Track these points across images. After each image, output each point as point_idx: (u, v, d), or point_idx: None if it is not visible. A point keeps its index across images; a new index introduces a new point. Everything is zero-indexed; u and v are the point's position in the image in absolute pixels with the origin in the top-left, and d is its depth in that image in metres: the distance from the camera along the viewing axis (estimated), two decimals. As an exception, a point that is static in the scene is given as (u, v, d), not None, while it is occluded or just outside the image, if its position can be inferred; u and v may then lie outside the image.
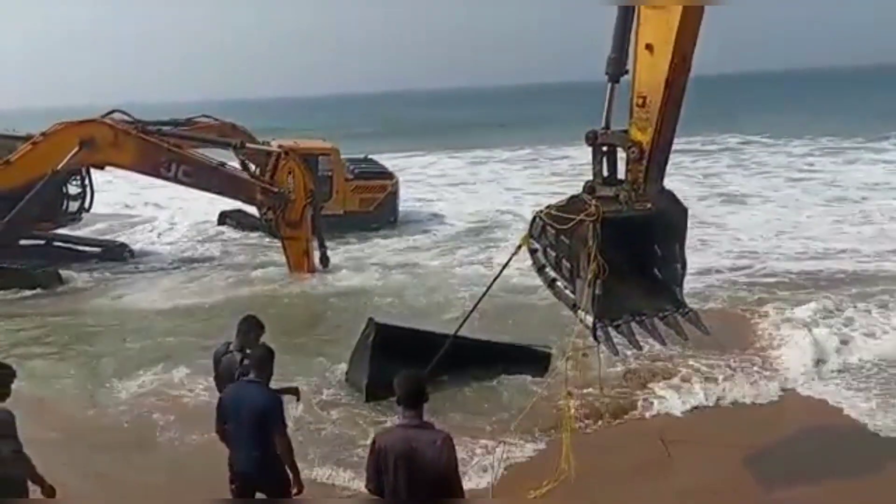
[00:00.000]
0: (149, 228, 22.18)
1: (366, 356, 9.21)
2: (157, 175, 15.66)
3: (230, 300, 13.99)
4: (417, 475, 4.73)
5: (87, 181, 17.32)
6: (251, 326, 6.67)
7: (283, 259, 15.95)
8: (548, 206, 7.65)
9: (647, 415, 8.82)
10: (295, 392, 6.78)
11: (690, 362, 9.88)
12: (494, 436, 8.06)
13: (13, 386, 5.51)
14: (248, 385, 5.84)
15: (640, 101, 7.35)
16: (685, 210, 7.84)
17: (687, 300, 7.95)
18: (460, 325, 9.12)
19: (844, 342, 10.69)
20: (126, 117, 16.50)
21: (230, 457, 5.84)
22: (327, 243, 16.44)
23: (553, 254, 7.68)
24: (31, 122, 20.24)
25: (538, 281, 8.20)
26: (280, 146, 17.26)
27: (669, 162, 7.69)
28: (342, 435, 8.30)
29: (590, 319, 7.34)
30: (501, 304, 12.33)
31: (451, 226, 21.30)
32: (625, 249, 7.64)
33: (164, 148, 15.28)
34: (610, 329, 7.52)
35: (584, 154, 8.17)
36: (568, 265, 7.57)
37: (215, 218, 21.68)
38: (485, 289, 8.97)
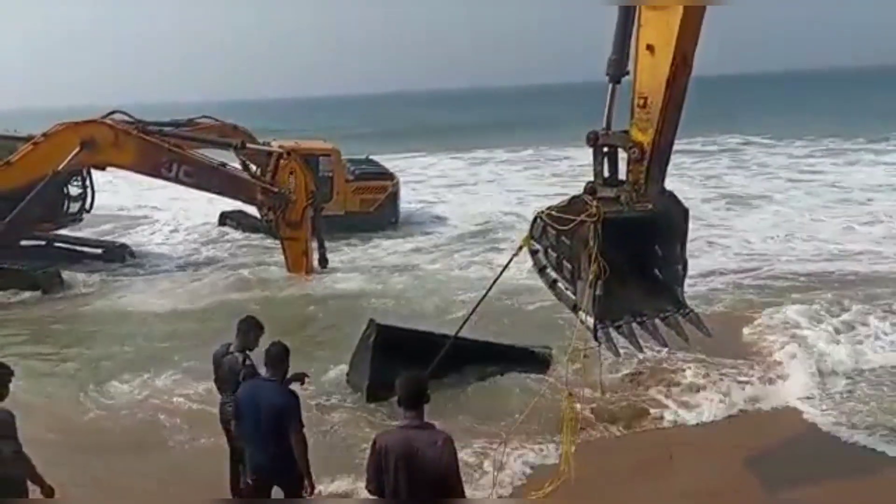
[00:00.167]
0: (150, 230, 22.15)
1: (366, 357, 9.20)
2: (158, 175, 15.66)
3: (229, 302, 13.97)
4: (418, 476, 4.73)
5: (87, 182, 17.32)
6: (251, 327, 6.67)
7: (283, 260, 15.95)
8: (549, 207, 7.66)
9: (648, 416, 8.79)
10: (301, 378, 6.79)
11: (692, 364, 9.83)
12: (495, 436, 8.05)
13: (10, 386, 5.53)
14: (265, 383, 5.91)
15: (641, 101, 7.37)
16: (686, 211, 7.85)
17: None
18: (461, 326, 9.12)
19: (852, 347, 10.56)
20: (127, 118, 16.49)
21: (246, 454, 5.95)
22: (327, 244, 16.43)
23: (554, 255, 7.69)
24: (32, 122, 20.23)
25: (538, 282, 8.21)
26: (281, 146, 17.28)
27: (670, 163, 7.70)
28: (343, 436, 8.29)
29: (591, 320, 7.35)
30: (501, 306, 12.34)
31: (451, 227, 21.26)
32: (626, 250, 7.65)
33: (164, 148, 15.28)
34: (611, 330, 7.52)
35: (585, 155, 8.19)
36: (569, 266, 7.57)
37: (216, 219, 21.68)
38: (485, 290, 8.97)
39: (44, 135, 15.27)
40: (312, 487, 5.79)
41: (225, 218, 21.42)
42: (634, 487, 7.41)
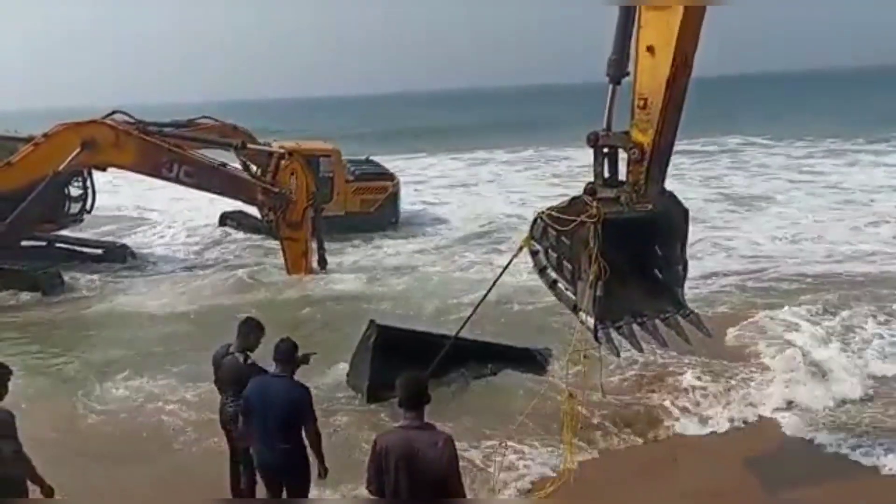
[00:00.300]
0: (151, 231, 22.13)
1: (367, 358, 9.21)
2: (159, 175, 15.66)
3: (229, 303, 13.95)
4: (418, 476, 4.74)
5: (88, 182, 17.31)
6: (251, 328, 6.69)
7: (282, 261, 15.94)
8: (549, 208, 7.67)
9: (650, 417, 8.79)
10: (307, 359, 6.77)
11: (691, 367, 9.82)
12: (496, 437, 8.06)
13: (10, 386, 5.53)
14: (275, 379, 5.96)
15: (641, 102, 7.38)
16: (686, 211, 7.86)
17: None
18: (461, 327, 9.13)
19: (850, 350, 10.53)
20: (127, 118, 16.51)
21: (253, 452, 6.03)
22: (327, 245, 16.43)
23: (554, 255, 7.70)
24: (32, 123, 20.23)
25: (538, 283, 8.22)
26: (282, 147, 17.28)
27: (670, 164, 7.71)
28: (343, 436, 8.29)
29: (591, 321, 7.35)
30: (501, 307, 12.35)
31: (452, 228, 21.24)
32: (626, 251, 7.66)
33: (165, 148, 15.28)
34: (611, 330, 7.53)
35: (585, 155, 8.19)
36: (569, 266, 7.59)
37: (216, 220, 21.68)
38: (486, 291, 8.97)
39: (44, 135, 15.27)
40: (326, 471, 5.97)
41: (225, 218, 21.42)
42: (635, 487, 7.42)
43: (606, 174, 7.82)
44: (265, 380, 6.06)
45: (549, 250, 7.72)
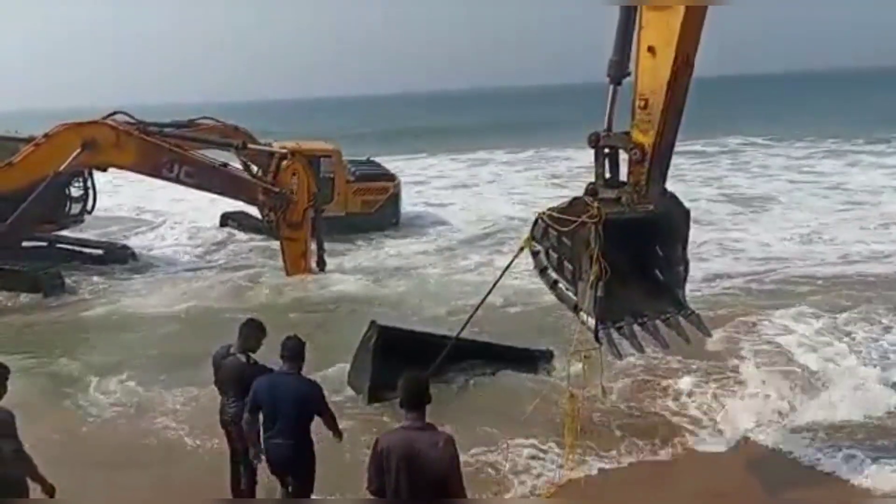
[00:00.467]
0: (153, 232, 22.11)
1: (368, 358, 9.20)
2: (159, 175, 15.65)
3: (229, 304, 13.95)
4: (419, 477, 4.75)
5: (89, 183, 17.32)
6: (253, 329, 6.70)
7: (282, 262, 15.93)
8: (550, 209, 7.67)
9: (651, 418, 8.80)
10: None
11: (690, 371, 9.84)
12: (497, 437, 8.06)
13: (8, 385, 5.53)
14: (284, 377, 6.07)
15: (642, 103, 7.37)
16: (687, 212, 7.85)
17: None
18: (462, 328, 9.13)
19: (849, 353, 10.45)
20: (128, 118, 16.51)
21: (263, 446, 6.12)
22: (327, 245, 16.43)
23: (555, 256, 7.70)
24: (33, 123, 20.22)
25: (539, 284, 8.21)
26: (283, 147, 17.28)
27: (672, 165, 7.71)
28: (344, 437, 8.27)
29: (592, 321, 7.35)
30: (502, 308, 12.35)
31: (453, 229, 21.21)
32: (627, 251, 7.65)
33: (165, 148, 15.28)
34: (612, 331, 7.53)
35: (586, 156, 8.18)
36: (570, 267, 7.58)
37: (217, 221, 21.67)
38: (486, 291, 8.97)
39: (45, 136, 15.26)
40: (342, 434, 6.34)
41: (226, 219, 21.41)
42: (638, 488, 7.42)
43: (607, 175, 7.81)
44: (274, 377, 6.16)
45: (550, 251, 7.72)
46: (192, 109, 24.87)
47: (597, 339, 7.35)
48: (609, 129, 7.74)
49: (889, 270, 15.01)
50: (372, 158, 23.16)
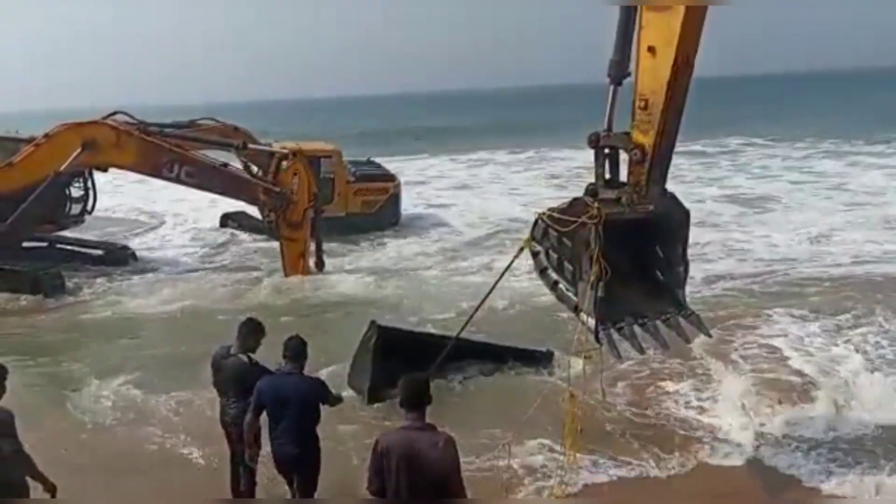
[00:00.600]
0: (153, 233, 22.11)
1: (368, 359, 9.21)
2: (160, 176, 15.66)
3: (228, 306, 13.90)
4: (419, 477, 4.75)
5: (89, 183, 17.32)
6: (252, 330, 6.71)
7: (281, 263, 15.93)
8: (550, 209, 7.67)
9: (651, 419, 8.80)
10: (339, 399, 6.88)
11: (689, 374, 9.82)
12: (497, 438, 8.05)
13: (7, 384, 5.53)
14: (288, 376, 6.11)
15: (642, 103, 7.37)
16: (687, 212, 7.84)
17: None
18: (462, 328, 9.13)
19: (848, 355, 10.43)
20: (129, 118, 16.51)
21: (272, 446, 6.19)
22: (327, 245, 16.43)
23: (555, 256, 7.70)
24: (33, 124, 20.23)
25: (539, 285, 8.21)
26: (283, 147, 17.28)
27: (672, 165, 7.70)
28: (344, 437, 8.29)
29: (592, 322, 7.35)
30: (502, 308, 12.34)
31: (453, 229, 21.23)
32: (627, 252, 7.65)
33: (165, 148, 15.29)
34: (612, 332, 7.52)
35: (586, 156, 8.18)
36: (570, 267, 7.58)
37: (218, 222, 21.67)
38: (487, 292, 8.97)
39: (45, 136, 15.27)
40: (340, 398, 6.64)
41: (227, 219, 21.43)
42: (639, 488, 7.42)
43: (607, 175, 7.81)
44: (277, 377, 6.18)
45: (550, 251, 7.72)
46: (192, 110, 24.93)
47: (597, 339, 7.35)
48: (609, 129, 7.73)
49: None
50: (372, 159, 23.16)
